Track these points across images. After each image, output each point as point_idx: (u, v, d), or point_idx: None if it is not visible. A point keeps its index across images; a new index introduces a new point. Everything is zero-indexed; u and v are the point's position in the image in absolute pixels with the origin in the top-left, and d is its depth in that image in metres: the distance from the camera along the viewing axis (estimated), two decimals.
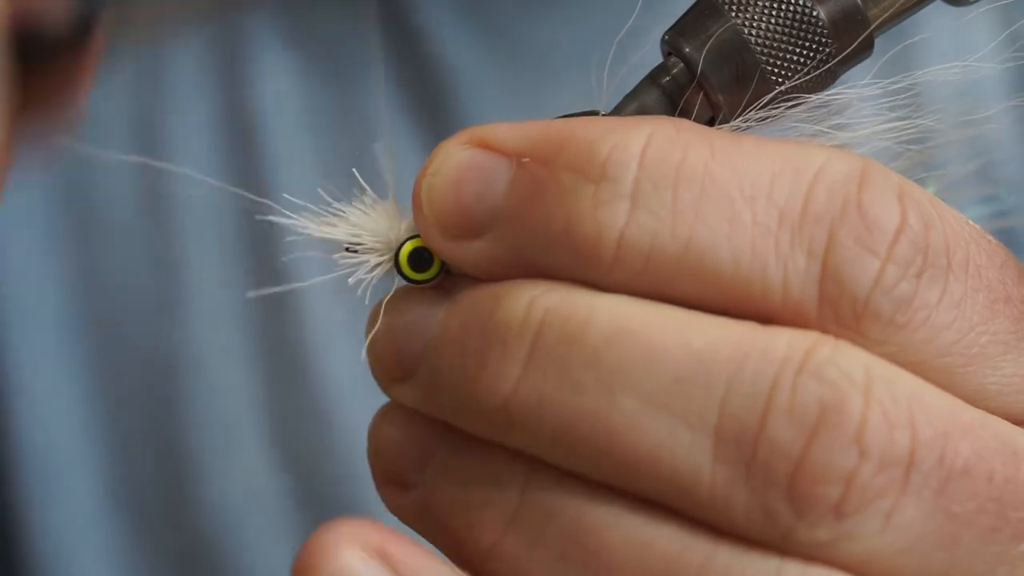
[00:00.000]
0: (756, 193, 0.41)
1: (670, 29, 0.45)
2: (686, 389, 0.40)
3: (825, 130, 0.45)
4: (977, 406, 0.42)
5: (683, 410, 0.40)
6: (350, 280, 0.45)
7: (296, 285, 0.49)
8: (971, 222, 0.43)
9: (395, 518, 0.45)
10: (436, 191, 0.43)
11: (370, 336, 0.45)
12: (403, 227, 0.45)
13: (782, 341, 0.40)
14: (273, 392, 0.80)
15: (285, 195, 0.46)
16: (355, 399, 0.80)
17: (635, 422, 0.41)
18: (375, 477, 0.45)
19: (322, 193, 0.45)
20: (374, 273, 0.45)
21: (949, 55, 0.49)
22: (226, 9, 0.81)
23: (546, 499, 0.42)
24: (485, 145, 0.43)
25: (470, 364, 0.42)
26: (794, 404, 0.40)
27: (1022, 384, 0.43)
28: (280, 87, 0.81)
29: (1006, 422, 0.42)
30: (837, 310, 0.41)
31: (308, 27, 0.81)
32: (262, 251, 0.80)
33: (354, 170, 0.46)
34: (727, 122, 0.45)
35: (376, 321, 0.45)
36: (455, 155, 0.43)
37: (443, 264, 0.44)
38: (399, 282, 0.45)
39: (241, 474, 0.80)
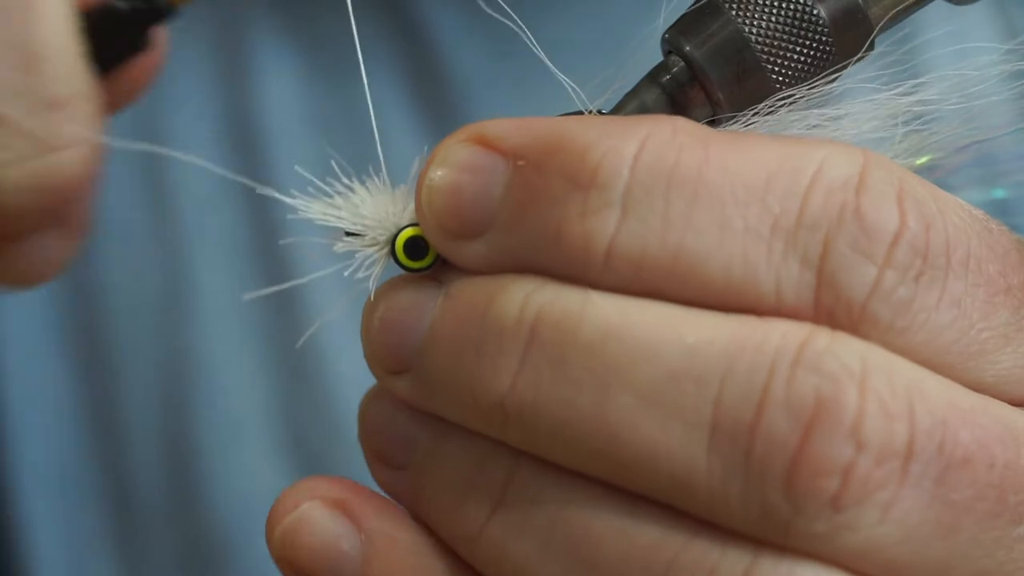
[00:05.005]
0: (750, 198, 0.41)
1: (671, 28, 0.46)
2: (680, 385, 0.40)
3: (823, 122, 0.45)
4: None
5: (678, 406, 0.40)
6: (346, 274, 0.45)
7: (295, 282, 0.49)
8: (974, 210, 0.43)
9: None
10: (436, 192, 0.43)
11: (365, 329, 0.45)
12: (404, 214, 0.45)
13: (777, 333, 0.40)
14: (281, 391, 0.80)
15: (296, 167, 0.46)
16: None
17: (631, 420, 0.41)
18: (365, 455, 0.46)
19: (335, 167, 0.45)
20: (371, 260, 0.45)
21: (949, 53, 0.48)
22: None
23: (531, 487, 0.42)
24: (484, 143, 0.43)
25: (466, 362, 0.42)
26: (790, 396, 0.40)
27: (1021, 374, 0.42)
28: (283, 89, 0.81)
29: (1007, 405, 0.42)
30: (833, 316, 0.41)
31: (310, 27, 0.81)
32: (269, 251, 0.80)
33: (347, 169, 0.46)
34: (726, 121, 0.45)
35: (371, 312, 0.45)
36: (455, 153, 0.43)
37: (439, 253, 0.45)
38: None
39: (248, 473, 0.80)
